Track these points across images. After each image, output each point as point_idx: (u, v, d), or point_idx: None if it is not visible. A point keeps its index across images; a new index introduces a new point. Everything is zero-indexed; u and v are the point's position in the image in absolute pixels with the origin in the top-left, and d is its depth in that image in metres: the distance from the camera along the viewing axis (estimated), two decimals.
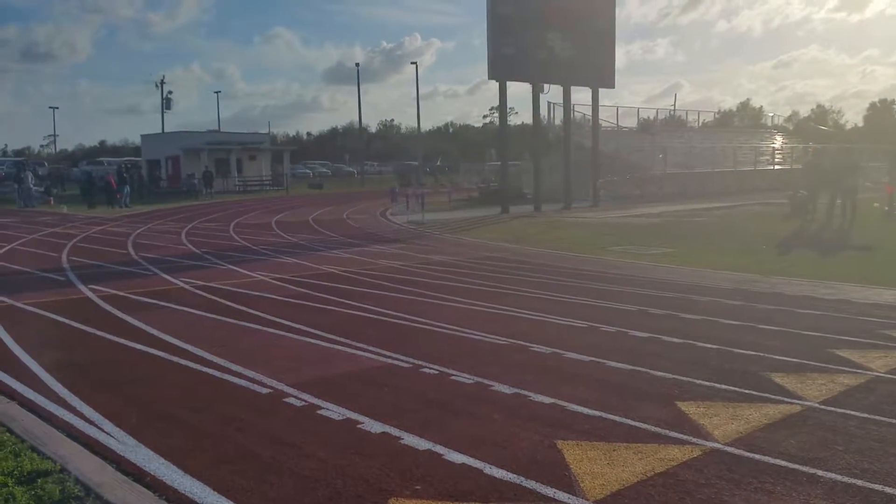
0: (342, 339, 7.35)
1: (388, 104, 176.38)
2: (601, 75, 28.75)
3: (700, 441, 4.55)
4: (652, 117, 44.87)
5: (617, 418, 4.95)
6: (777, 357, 6.54)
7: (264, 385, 5.84)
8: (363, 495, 3.86)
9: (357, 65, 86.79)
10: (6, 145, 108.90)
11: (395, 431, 4.76)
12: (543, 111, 31.35)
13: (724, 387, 5.67)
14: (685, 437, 4.62)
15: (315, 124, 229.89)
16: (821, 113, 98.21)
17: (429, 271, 12.48)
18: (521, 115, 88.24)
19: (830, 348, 6.86)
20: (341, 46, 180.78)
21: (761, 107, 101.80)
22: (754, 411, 5.11)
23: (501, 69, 25.31)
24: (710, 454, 4.36)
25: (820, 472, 4.08)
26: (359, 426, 4.89)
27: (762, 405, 5.24)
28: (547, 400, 5.37)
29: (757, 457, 4.31)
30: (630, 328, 7.77)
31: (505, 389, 5.65)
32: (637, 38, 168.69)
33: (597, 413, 5.06)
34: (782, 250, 14.77)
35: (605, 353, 6.67)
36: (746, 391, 5.56)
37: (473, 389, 5.70)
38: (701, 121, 48.62)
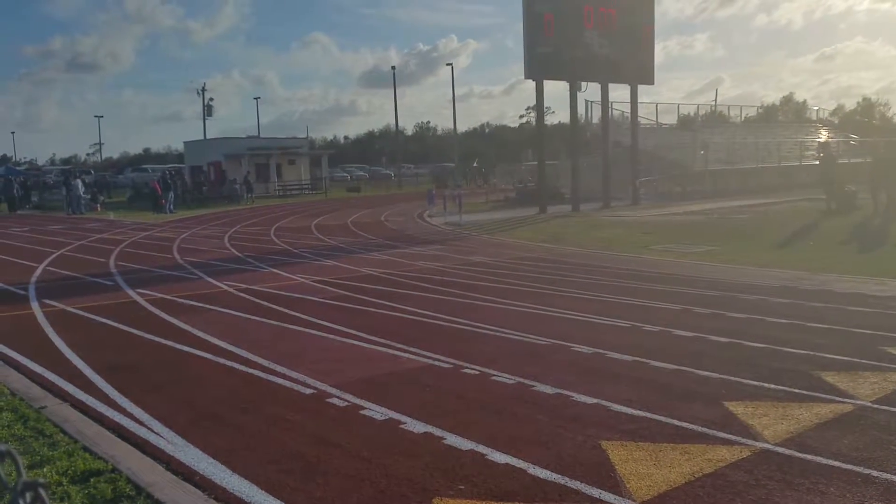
0: (383, 340, 7.39)
1: (423, 106, 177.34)
2: (640, 72, 28.42)
3: (749, 441, 4.46)
4: (692, 113, 44.16)
5: (662, 418, 4.89)
6: (827, 355, 6.38)
7: (308, 385, 5.90)
8: (407, 495, 3.87)
9: (393, 68, 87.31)
10: (54, 154, 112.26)
11: (437, 431, 4.77)
12: (581, 109, 31.16)
13: (772, 386, 5.55)
14: (733, 437, 4.53)
15: (352, 128, 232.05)
16: (867, 106, 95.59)
17: (467, 272, 12.48)
18: (557, 115, 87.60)
19: (882, 346, 6.68)
20: (377, 50, 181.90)
21: (805, 101, 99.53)
22: (805, 411, 5.00)
23: (538, 68, 25.18)
24: (760, 455, 4.27)
25: (875, 473, 3.97)
26: (401, 426, 4.90)
27: (813, 404, 5.12)
28: (590, 400, 5.32)
29: (809, 457, 4.22)
30: (674, 327, 7.66)
31: (547, 390, 5.61)
32: (674, 34, 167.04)
33: (641, 413, 5.00)
34: (829, 247, 14.40)
35: (648, 353, 6.59)
36: (796, 390, 5.44)
37: (515, 390, 5.68)
38: (743, 115, 47.68)
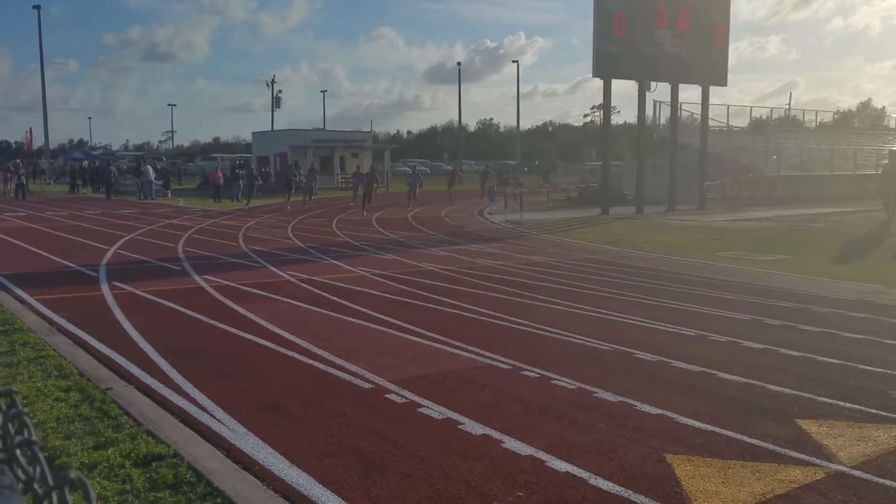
0: (442, 338, 7.34)
1: (487, 103, 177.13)
2: (712, 72, 27.64)
3: (824, 463, 4.24)
4: (765, 116, 42.80)
5: (731, 434, 4.69)
6: None
7: (366, 380, 5.89)
8: (465, 498, 3.81)
9: (458, 64, 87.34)
10: (128, 140, 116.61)
11: (495, 434, 4.69)
12: (648, 110, 30.53)
13: (848, 405, 5.29)
14: (807, 457, 4.32)
15: (415, 123, 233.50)
16: None
17: (528, 272, 12.34)
18: (623, 114, 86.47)
19: None
20: (443, 46, 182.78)
21: (884, 107, 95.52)
22: (883, 433, 4.74)
23: (606, 67, 24.77)
24: (836, 477, 4.06)
25: None
26: (459, 427, 4.84)
27: (891, 427, 4.85)
28: (654, 410, 5.16)
29: (888, 483, 3.99)
30: (743, 339, 7.38)
31: (609, 397, 5.47)
32: (746, 35, 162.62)
33: (709, 427, 4.81)
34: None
35: (716, 364, 6.36)
36: (873, 411, 5.16)
37: (576, 395, 5.55)
38: (818, 121, 45.89)
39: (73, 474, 1.04)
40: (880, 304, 9.44)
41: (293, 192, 30.18)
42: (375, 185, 28.92)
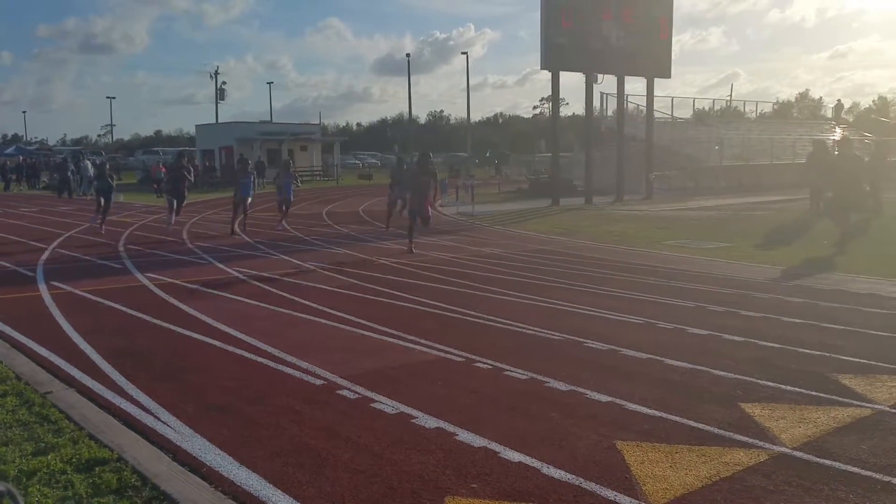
0: (394, 332, 7.32)
1: (437, 95, 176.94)
2: (657, 65, 28.15)
3: (766, 445, 4.37)
4: (707, 108, 43.79)
5: (678, 419, 4.79)
6: (844, 357, 6.26)
7: (318, 376, 5.83)
8: (419, 492, 3.80)
9: (408, 55, 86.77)
10: (65, 134, 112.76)
11: (449, 427, 4.69)
12: (596, 102, 30.88)
13: (789, 388, 5.45)
14: (751, 440, 4.44)
15: (365, 115, 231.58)
16: (882, 104, 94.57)
17: (480, 264, 12.39)
18: (571, 106, 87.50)
19: None
20: (391, 37, 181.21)
21: (821, 98, 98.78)
22: (822, 414, 4.90)
23: (554, 59, 24.99)
24: (778, 459, 4.18)
25: (895, 481, 3.87)
26: (412, 421, 4.83)
27: (830, 408, 5.02)
28: (604, 398, 5.23)
29: (827, 462, 4.12)
30: (688, 325, 7.55)
31: (560, 386, 5.53)
32: (688, 27, 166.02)
33: (657, 413, 4.90)
34: (843, 246, 14.19)
35: (663, 351, 6.49)
36: (813, 393, 5.34)
37: (528, 386, 5.60)
38: (758, 111, 47.17)
39: (2, 486, 0.98)
40: (818, 288, 9.76)
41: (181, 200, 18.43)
42: (435, 194, 16.62)
